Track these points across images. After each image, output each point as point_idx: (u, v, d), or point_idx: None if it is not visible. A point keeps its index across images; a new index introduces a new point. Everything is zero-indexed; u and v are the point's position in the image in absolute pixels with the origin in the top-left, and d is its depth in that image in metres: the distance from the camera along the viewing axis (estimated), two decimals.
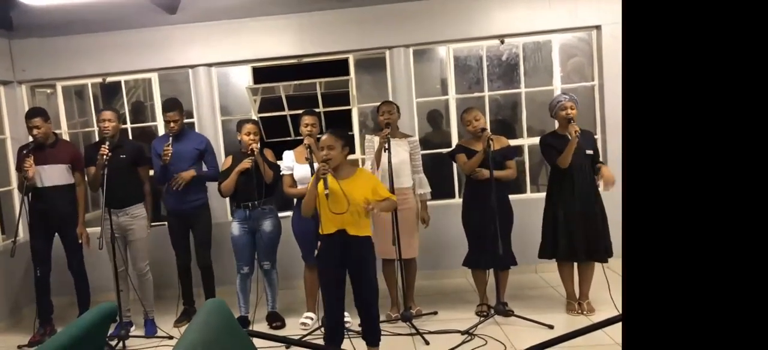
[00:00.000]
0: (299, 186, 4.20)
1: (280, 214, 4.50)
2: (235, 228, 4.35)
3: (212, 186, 4.61)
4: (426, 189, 4.34)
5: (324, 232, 3.31)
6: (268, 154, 4.40)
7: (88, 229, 4.55)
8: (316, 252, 3.37)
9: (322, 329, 4.05)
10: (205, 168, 4.54)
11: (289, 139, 4.87)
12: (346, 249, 3.29)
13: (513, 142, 5.23)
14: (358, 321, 3.94)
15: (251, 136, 4.23)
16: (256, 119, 4.62)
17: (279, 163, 4.38)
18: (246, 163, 4.20)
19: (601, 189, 4.12)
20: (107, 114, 4.26)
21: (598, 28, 5.16)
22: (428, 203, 4.40)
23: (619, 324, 3.12)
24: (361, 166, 3.61)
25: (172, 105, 4.46)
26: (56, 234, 4.46)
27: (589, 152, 4.09)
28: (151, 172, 4.60)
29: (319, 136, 4.23)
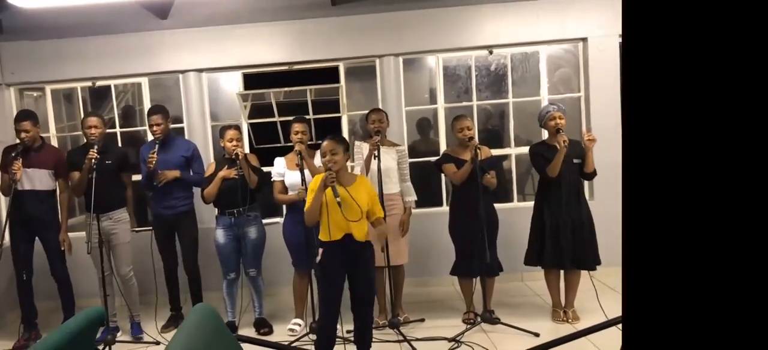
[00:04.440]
0: (290, 193, 4.22)
1: (265, 221, 4.50)
2: (220, 235, 4.34)
3: (198, 192, 4.62)
4: (412, 197, 4.37)
5: (330, 239, 3.27)
6: (252, 158, 4.40)
7: (71, 234, 4.52)
8: (318, 259, 3.35)
9: (310, 335, 4.08)
10: (192, 174, 4.53)
11: (278, 145, 4.89)
12: (351, 255, 3.29)
13: (501, 152, 5.31)
14: (346, 327, 3.96)
15: (234, 142, 4.23)
16: (238, 124, 4.62)
17: (269, 169, 4.39)
18: (231, 172, 4.21)
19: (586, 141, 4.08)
20: (93, 120, 4.25)
21: (584, 40, 5.24)
22: (415, 211, 4.44)
23: (604, 332, 3.17)
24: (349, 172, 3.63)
25: (155, 110, 4.45)
26: (37, 238, 4.44)
27: (577, 161, 4.14)
28: (136, 177, 4.58)
29: (309, 142, 4.28)
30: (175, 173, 4.37)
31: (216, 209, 4.45)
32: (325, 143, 3.33)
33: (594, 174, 4.17)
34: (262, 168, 4.42)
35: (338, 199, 3.17)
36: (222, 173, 4.22)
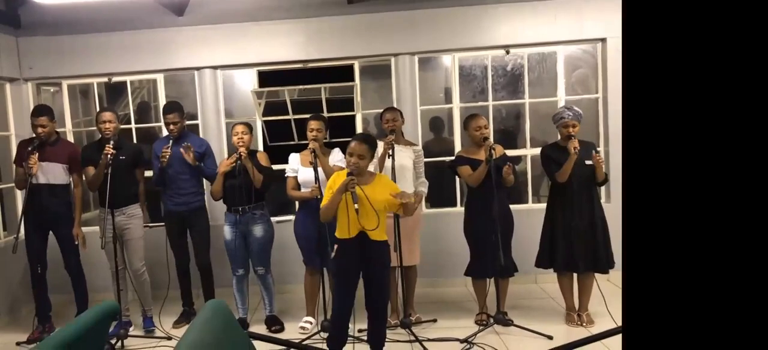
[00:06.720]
0: (303, 190, 4.21)
1: (276, 218, 4.49)
2: (227, 231, 4.35)
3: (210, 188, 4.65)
4: (424, 188, 4.31)
5: (345, 236, 3.25)
6: (262, 157, 4.39)
7: (84, 229, 4.54)
8: (332, 255, 3.33)
9: (321, 333, 4.07)
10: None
11: (292, 143, 4.89)
12: (365, 253, 3.26)
13: (516, 152, 5.26)
14: (358, 326, 3.95)
15: (238, 136, 4.22)
16: (246, 121, 4.61)
17: (284, 166, 4.38)
18: (228, 164, 4.22)
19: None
20: (107, 115, 4.28)
21: (603, 40, 5.17)
22: (427, 211, 4.39)
23: (618, 336, 3.13)
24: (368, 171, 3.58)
25: (171, 107, 4.46)
26: (51, 232, 4.46)
27: (589, 163, 4.09)
28: (148, 174, 4.60)
29: (325, 140, 4.27)
30: (194, 160, 4.36)
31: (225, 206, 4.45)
32: (353, 144, 3.25)
33: (606, 180, 4.18)
34: (273, 166, 4.41)
35: (356, 206, 3.13)
36: (221, 168, 4.25)
